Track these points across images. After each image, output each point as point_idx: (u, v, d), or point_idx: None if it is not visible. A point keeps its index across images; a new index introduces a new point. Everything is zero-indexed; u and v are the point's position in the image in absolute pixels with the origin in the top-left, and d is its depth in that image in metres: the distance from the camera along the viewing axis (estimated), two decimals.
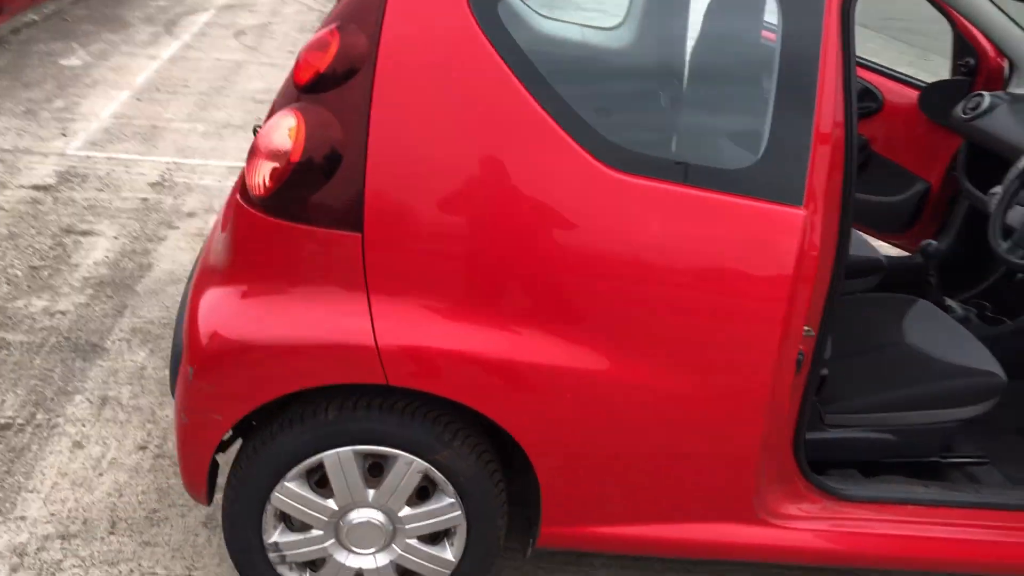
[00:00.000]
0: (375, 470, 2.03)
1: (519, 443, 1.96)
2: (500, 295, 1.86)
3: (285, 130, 1.82)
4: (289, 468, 1.98)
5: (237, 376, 1.90)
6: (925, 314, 2.63)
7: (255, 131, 2.29)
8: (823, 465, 2.26)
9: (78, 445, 2.72)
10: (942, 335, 2.52)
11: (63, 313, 3.41)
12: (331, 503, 2.03)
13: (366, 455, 2.00)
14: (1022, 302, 3.01)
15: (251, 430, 2.02)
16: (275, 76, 6.92)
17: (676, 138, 1.91)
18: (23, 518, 2.43)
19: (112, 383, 3.02)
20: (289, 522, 2.09)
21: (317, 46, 1.82)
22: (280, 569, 2.11)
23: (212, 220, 4.31)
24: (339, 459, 1.98)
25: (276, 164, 1.82)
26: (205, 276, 2.05)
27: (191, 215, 4.36)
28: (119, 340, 3.27)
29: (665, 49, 1.91)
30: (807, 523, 2.15)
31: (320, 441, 1.96)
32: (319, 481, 2.04)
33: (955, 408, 2.34)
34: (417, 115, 1.80)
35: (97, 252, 3.91)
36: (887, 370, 2.43)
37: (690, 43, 1.91)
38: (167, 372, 3.11)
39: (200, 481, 2.03)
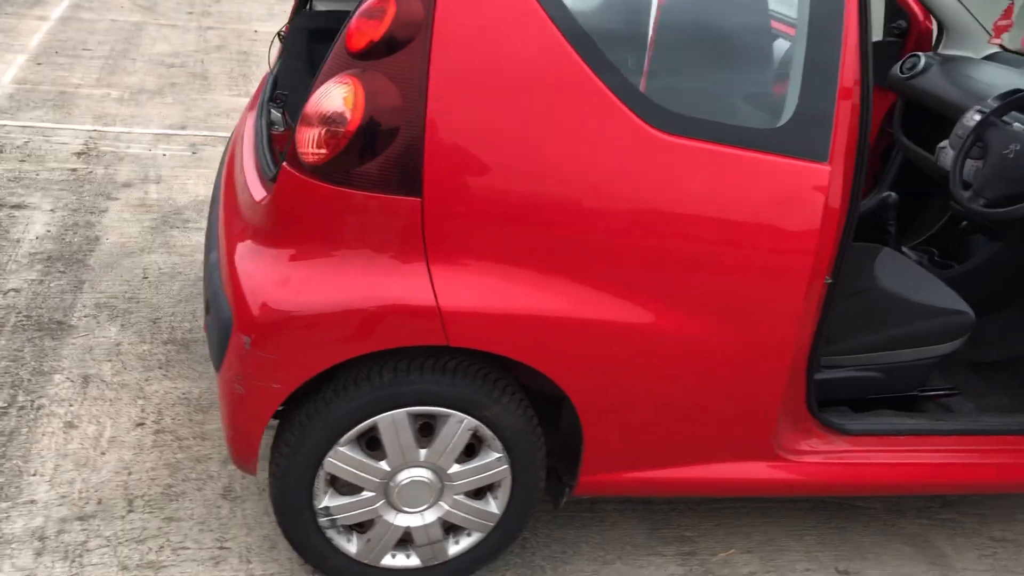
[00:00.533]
0: (425, 430, 2.08)
1: (568, 396, 2.04)
2: (553, 254, 1.93)
3: (340, 97, 1.82)
4: (343, 433, 2.01)
5: (298, 343, 1.90)
6: (892, 261, 2.84)
7: (280, 102, 2.27)
8: (817, 404, 2.44)
9: (70, 425, 2.63)
10: (911, 279, 2.73)
11: (16, 291, 3.26)
12: (383, 465, 2.07)
13: (417, 416, 2.04)
14: (963, 247, 3.28)
15: (301, 398, 2.02)
16: (179, 39, 6.67)
17: (715, 99, 2.01)
18: (33, 501, 2.35)
19: (90, 360, 2.93)
20: (337, 485, 2.11)
21: (372, 13, 1.82)
22: (329, 533, 2.13)
23: (151, 190, 4.17)
24: (393, 421, 2.01)
25: (332, 131, 1.82)
26: (244, 244, 2.02)
27: (127, 185, 4.20)
28: (85, 316, 3.16)
29: (702, 13, 2.00)
30: (816, 457, 2.33)
31: (375, 405, 1.99)
32: (369, 443, 2.07)
33: (933, 346, 2.55)
34: (473, 80, 1.83)
35: (36, 226, 3.73)
36: (868, 313, 2.62)
37: (724, 8, 2.00)
38: (144, 347, 3.03)
39: (252, 451, 2.03)
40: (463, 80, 1.82)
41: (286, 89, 2.34)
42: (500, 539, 2.24)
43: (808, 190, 1.99)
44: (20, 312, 3.14)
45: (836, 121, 1.98)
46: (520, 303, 1.94)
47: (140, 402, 2.77)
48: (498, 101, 1.84)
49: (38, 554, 2.20)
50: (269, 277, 1.92)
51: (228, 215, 2.21)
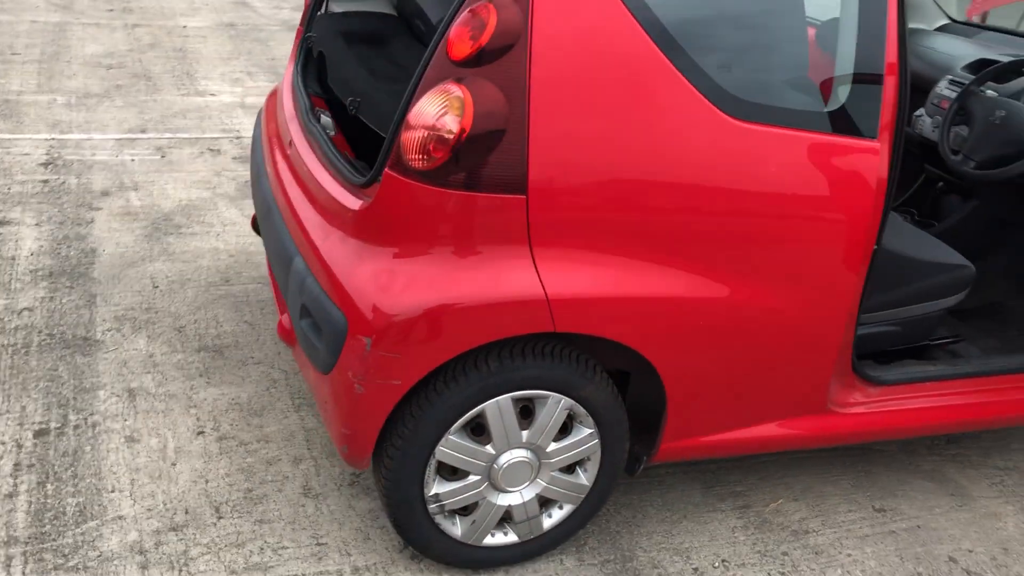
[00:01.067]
0: (523, 413, 2.20)
1: (656, 368, 2.19)
2: (643, 239, 2.07)
3: (448, 105, 1.91)
4: (454, 422, 2.11)
5: (417, 340, 1.99)
6: (892, 224, 3.08)
7: (353, 107, 2.33)
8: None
9: (132, 440, 2.64)
10: (910, 239, 2.98)
11: (29, 310, 3.20)
12: (489, 448, 2.18)
13: (518, 399, 2.15)
14: (939, 207, 3.57)
15: (411, 391, 2.11)
16: (108, 38, 6.48)
17: (780, 87, 2.17)
18: (121, 517, 2.37)
19: (128, 374, 2.92)
20: (443, 472, 2.21)
21: (472, 22, 1.91)
22: (438, 519, 2.23)
23: (132, 198, 4.11)
24: (499, 407, 2.13)
25: (441, 137, 1.91)
26: (344, 249, 2.08)
27: (106, 194, 4.12)
28: (109, 330, 3.13)
29: (763, 8, 2.16)
30: (860, 408, 2.55)
31: (483, 392, 2.09)
32: (474, 429, 2.18)
33: (942, 299, 2.81)
34: (568, 80, 1.94)
35: (27, 242, 3.64)
36: (881, 273, 2.86)
37: (780, 3, 2.16)
38: (178, 356, 3.04)
39: (369, 448, 2.11)
40: (560, 81, 1.93)
41: (351, 95, 2.39)
42: (589, 509, 2.38)
43: (863, 165, 2.18)
44: (41, 331, 3.09)
45: (883, 100, 2.18)
46: (616, 287, 2.07)
47: (193, 411, 2.79)
48: (591, 99, 1.96)
49: (143, 568, 2.23)
50: (383, 279, 2.00)
51: (305, 223, 2.26)
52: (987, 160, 2.89)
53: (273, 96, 3.08)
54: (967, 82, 3.14)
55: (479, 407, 2.11)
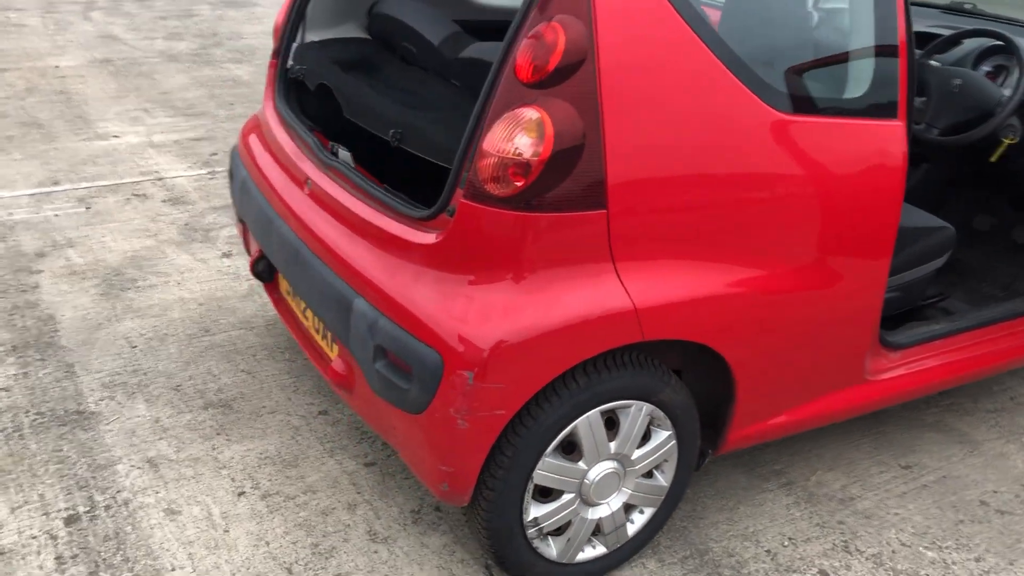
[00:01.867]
0: (608, 424, 2.21)
1: (728, 362, 2.24)
2: (710, 240, 2.12)
3: (527, 128, 1.89)
4: (550, 443, 2.10)
5: (519, 368, 1.96)
6: None
7: (396, 139, 2.27)
8: None
9: (172, 512, 2.49)
10: None
11: (6, 390, 2.96)
12: (581, 465, 2.18)
13: (604, 412, 2.16)
14: None
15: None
16: None
17: (818, 79, 2.26)
18: None
19: (140, 443, 2.75)
20: (538, 495, 2.19)
21: (539, 43, 1.90)
22: (535, 543, 2.22)
23: (71, 255, 3.85)
24: (589, 422, 2.13)
25: (522, 162, 1.90)
26: (419, 285, 2.03)
27: (42, 255, 3.85)
28: (102, 400, 2.94)
29: (795, 9, 2.25)
30: (888, 374, 2.69)
31: (576, 410, 2.09)
32: (565, 448, 2.17)
33: (932, 261, 2.99)
34: (635, 91, 1.96)
35: None
36: None
37: (819, 11, 2.26)
38: (187, 417, 2.89)
39: (472, 482, 2.07)
40: (627, 92, 1.95)
41: (384, 126, 2.32)
42: (667, 510, 2.42)
43: (892, 145, 2.30)
44: (28, 411, 2.87)
45: (900, 82, 2.30)
46: (693, 288, 2.11)
47: (224, 472, 2.65)
48: (657, 107, 1.99)
49: None
50: (474, 310, 1.96)
51: (357, 262, 2.19)
52: (949, 127, 3.08)
53: (251, 135, 2.96)
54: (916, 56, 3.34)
55: (571, 425, 2.11)
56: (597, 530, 2.31)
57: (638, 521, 2.38)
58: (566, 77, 1.90)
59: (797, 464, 2.88)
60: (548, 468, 2.13)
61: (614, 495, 2.28)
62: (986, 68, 3.18)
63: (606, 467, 2.22)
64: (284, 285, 2.80)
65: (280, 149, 2.71)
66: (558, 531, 2.28)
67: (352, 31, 3.02)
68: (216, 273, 3.79)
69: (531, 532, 2.19)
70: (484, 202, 1.95)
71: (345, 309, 2.19)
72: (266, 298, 3.62)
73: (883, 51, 2.27)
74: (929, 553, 2.55)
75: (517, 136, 1.91)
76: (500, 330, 1.94)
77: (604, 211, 1.98)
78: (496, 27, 3.09)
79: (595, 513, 2.28)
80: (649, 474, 2.35)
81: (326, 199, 2.40)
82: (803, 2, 2.23)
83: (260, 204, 2.68)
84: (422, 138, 2.23)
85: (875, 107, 2.27)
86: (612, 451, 2.21)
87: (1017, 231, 3.59)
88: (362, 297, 2.16)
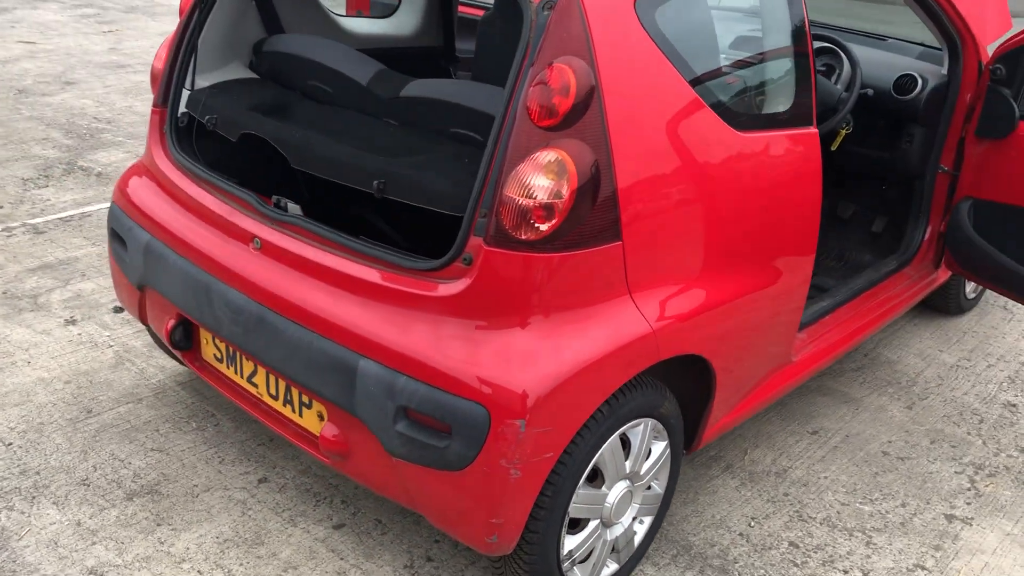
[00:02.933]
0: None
1: (713, 370, 2.38)
2: (706, 254, 2.24)
3: (549, 171, 1.90)
4: (582, 475, 2.12)
5: (565, 407, 1.97)
6: None
7: (380, 190, 2.17)
8: None
9: None
10: None
11: None
12: (604, 490, 2.22)
13: (620, 434, 2.22)
14: None
15: None
16: None
17: (762, 97, 2.42)
18: None
19: (71, 553, 2.43)
20: (569, 527, 2.21)
21: (551, 87, 1.90)
22: (569, 575, 2.23)
23: None
24: (611, 448, 2.18)
25: (547, 204, 1.90)
26: (446, 339, 1.97)
27: None
28: (2, 511, 2.55)
29: (744, 39, 2.39)
30: (802, 352, 2.95)
31: (601, 438, 2.13)
32: (589, 476, 2.20)
33: None
34: (633, 125, 2.03)
35: None
36: None
37: (750, 29, 2.41)
38: (113, 513, 2.58)
39: (520, 529, 2.04)
40: (628, 127, 2.02)
41: (358, 176, 2.21)
42: (661, 515, 2.52)
43: (813, 150, 2.54)
44: None
45: (812, 91, 2.54)
46: (691, 304, 2.23)
47: (187, 566, 2.41)
48: (650, 139, 2.07)
49: None
50: (514, 357, 1.95)
51: (354, 323, 2.08)
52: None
53: (138, 191, 2.68)
54: None
55: (599, 453, 2.14)
56: (612, 549, 2.37)
57: (640, 531, 2.46)
58: (579, 117, 1.93)
59: (727, 447, 3.09)
60: (581, 500, 2.15)
61: (627, 512, 2.35)
62: (818, 67, 3.55)
63: (622, 487, 2.28)
64: (210, 351, 2.58)
65: (199, 206, 2.48)
66: (585, 559, 2.30)
67: (237, 72, 2.81)
68: (68, 344, 3.39)
69: (565, 565, 2.21)
70: (510, 247, 1.93)
71: (347, 373, 2.08)
72: (144, 365, 3.29)
73: (800, 60, 2.48)
74: (865, 507, 2.85)
75: (540, 179, 1.91)
76: (544, 373, 1.94)
77: (620, 243, 2.03)
78: (396, 56, 3.01)
79: (612, 533, 2.33)
80: (648, 485, 2.44)
81: (288, 257, 2.24)
82: (731, 29, 2.39)
83: (184, 269, 2.44)
84: (410, 186, 2.15)
85: (798, 117, 2.48)
86: (627, 470, 2.27)
87: (840, 206, 4.05)
88: (369, 358, 2.05)
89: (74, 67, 7.17)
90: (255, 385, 2.46)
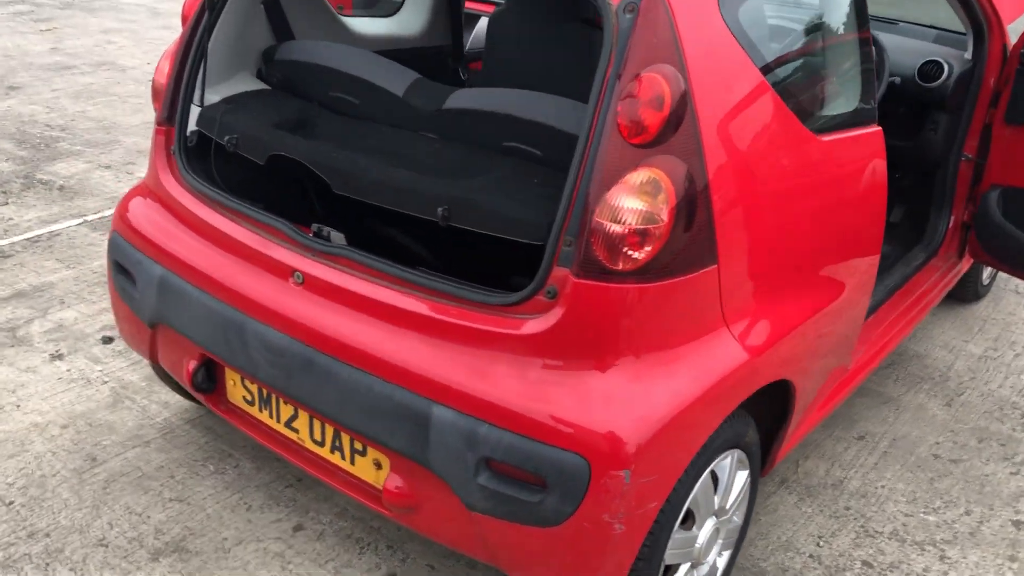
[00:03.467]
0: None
1: (795, 391, 2.23)
2: (793, 271, 2.09)
3: (644, 193, 1.72)
4: (676, 519, 1.95)
5: (669, 452, 1.80)
6: None
7: (445, 217, 1.96)
8: None
9: None
10: None
11: None
12: (695, 531, 2.06)
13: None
14: None
15: None
16: None
17: (834, 99, 2.26)
18: None
19: None
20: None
21: (643, 99, 1.72)
22: None
23: None
24: (702, 487, 2.01)
25: (644, 230, 1.72)
26: (532, 386, 1.78)
27: None
28: None
29: (818, 33, 2.23)
30: (855, 358, 2.82)
31: (695, 477, 1.97)
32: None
33: None
34: (722, 132, 1.86)
35: None
36: None
37: (826, 34, 2.25)
38: None
39: None
40: (719, 139, 1.85)
41: (416, 201, 2.00)
42: (738, 545, 2.36)
43: (880, 150, 2.40)
44: None
45: (875, 86, 2.40)
46: (781, 327, 2.06)
47: None
48: (741, 150, 1.90)
49: None
50: (613, 401, 1.77)
51: (419, 365, 1.88)
52: None
53: (144, 219, 2.43)
54: None
55: (692, 494, 1.98)
56: None
57: (721, 566, 2.30)
58: (673, 131, 1.75)
59: (783, 461, 2.95)
60: (675, 545, 1.99)
61: (713, 550, 2.19)
62: None
63: (711, 525, 2.12)
64: (238, 394, 2.35)
65: (223, 236, 2.24)
66: None
67: (245, 83, 2.56)
68: (59, 383, 3.11)
69: None
70: (603, 278, 1.74)
71: (417, 421, 1.87)
72: (144, 402, 3.03)
73: (865, 59, 2.33)
74: (931, 518, 2.74)
75: (635, 202, 1.72)
76: (645, 416, 1.76)
77: (716, 266, 1.86)
78: (405, 57, 2.78)
79: (699, 573, 2.17)
80: (731, 518, 2.28)
81: (338, 293, 2.02)
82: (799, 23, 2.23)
83: (210, 306, 2.21)
84: (480, 212, 1.94)
85: (865, 114, 2.34)
86: (715, 506, 2.11)
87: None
88: (444, 405, 1.85)
89: (15, 70, 6.74)
90: (295, 431, 2.24)
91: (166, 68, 2.46)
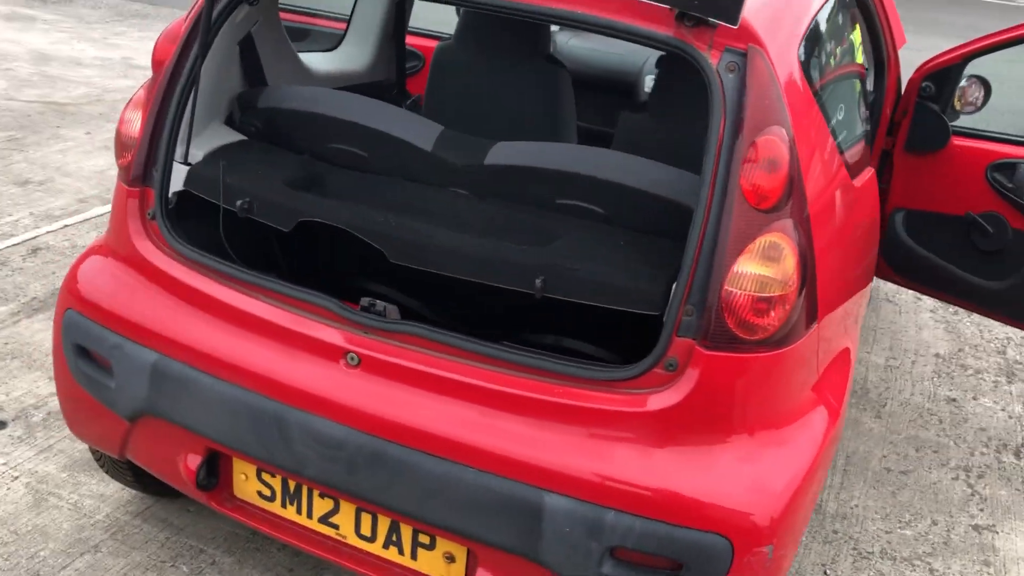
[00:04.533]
0: None
1: None
2: (846, 317, 2.12)
3: (773, 259, 1.68)
4: None
5: (798, 524, 1.76)
6: None
7: (540, 288, 1.82)
8: None
9: None
10: None
11: None
12: None
13: None
14: None
15: None
16: None
17: (857, 142, 2.30)
18: None
19: None
20: None
21: (764, 163, 1.67)
22: None
23: None
24: None
25: (774, 297, 1.68)
26: (650, 461, 1.68)
27: None
28: None
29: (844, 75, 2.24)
30: None
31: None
32: None
33: None
34: (815, 190, 1.85)
35: None
36: None
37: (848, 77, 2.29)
38: None
39: None
40: (813, 200, 1.84)
41: (501, 272, 1.83)
42: None
43: (875, 186, 2.50)
44: None
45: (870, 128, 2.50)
46: (844, 372, 2.09)
47: None
48: (825, 205, 1.92)
49: None
50: (746, 475, 1.72)
51: (529, 454, 1.73)
52: None
53: (113, 293, 2.10)
54: None
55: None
56: None
57: None
58: (790, 195, 1.71)
59: None
60: None
61: None
62: None
63: None
64: (250, 489, 2.07)
65: (239, 314, 1.96)
66: None
67: (220, 134, 2.25)
68: None
69: None
70: (736, 349, 1.68)
71: (525, 512, 1.72)
72: (74, 496, 2.61)
73: (873, 106, 2.43)
74: (907, 532, 2.89)
75: (764, 269, 1.68)
76: (779, 489, 1.73)
77: (816, 324, 1.84)
78: (363, 91, 2.57)
79: None
80: None
81: (408, 375, 1.82)
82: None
83: (231, 396, 1.92)
84: (580, 281, 1.80)
85: (867, 156, 2.43)
86: None
87: None
88: (558, 493, 1.71)
89: None
90: (333, 526, 2.00)
91: (136, 119, 2.11)
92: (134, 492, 2.63)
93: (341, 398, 1.84)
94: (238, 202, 2.02)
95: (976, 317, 4.41)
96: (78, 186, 4.83)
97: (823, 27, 2.09)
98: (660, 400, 1.70)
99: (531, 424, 1.75)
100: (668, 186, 1.93)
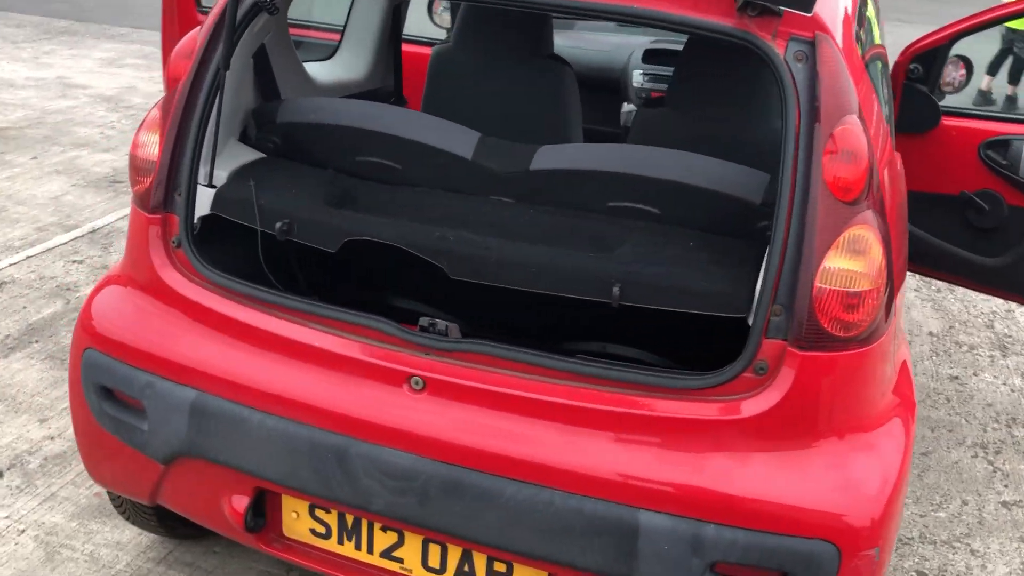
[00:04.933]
0: None
1: None
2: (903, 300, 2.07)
3: (861, 252, 1.63)
4: None
5: (896, 523, 1.71)
6: None
7: (617, 297, 1.74)
8: None
9: None
10: None
11: None
12: None
13: None
14: None
15: None
16: None
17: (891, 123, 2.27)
18: None
19: None
20: None
21: (845, 154, 1.62)
22: None
23: None
24: None
25: (864, 292, 1.63)
26: (748, 470, 1.62)
27: None
28: None
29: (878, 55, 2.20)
30: None
31: None
32: None
33: None
34: (883, 178, 1.81)
35: None
36: None
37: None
38: None
39: None
40: (885, 189, 1.80)
41: (572, 282, 1.74)
42: None
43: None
44: None
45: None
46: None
47: None
48: (891, 197, 1.87)
49: None
50: (847, 478, 1.67)
51: (619, 471, 1.65)
52: None
53: (136, 325, 1.96)
54: (666, 72, 3.53)
55: None
56: None
57: None
58: (870, 185, 1.66)
59: None
60: None
61: None
62: None
63: None
64: (302, 527, 1.95)
65: (287, 344, 1.84)
66: None
67: (236, 151, 2.11)
68: None
69: None
70: (831, 348, 1.63)
71: (619, 533, 1.64)
72: (88, 547, 2.44)
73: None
74: (940, 514, 2.88)
75: (854, 263, 1.63)
76: (878, 490, 1.68)
77: (894, 318, 1.80)
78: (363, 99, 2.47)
79: None
80: None
81: (481, 397, 1.72)
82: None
83: (284, 431, 1.80)
84: (658, 287, 1.72)
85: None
86: None
87: None
88: (654, 510, 1.63)
89: None
90: (397, 560, 1.89)
91: (152, 142, 1.97)
92: (153, 537, 2.47)
93: (408, 425, 1.73)
94: (277, 224, 1.90)
95: (959, 292, 4.47)
96: (34, 214, 4.60)
97: (860, 7, 2.06)
98: (754, 405, 1.63)
99: (617, 440, 1.67)
100: (728, 181, 1.87)
